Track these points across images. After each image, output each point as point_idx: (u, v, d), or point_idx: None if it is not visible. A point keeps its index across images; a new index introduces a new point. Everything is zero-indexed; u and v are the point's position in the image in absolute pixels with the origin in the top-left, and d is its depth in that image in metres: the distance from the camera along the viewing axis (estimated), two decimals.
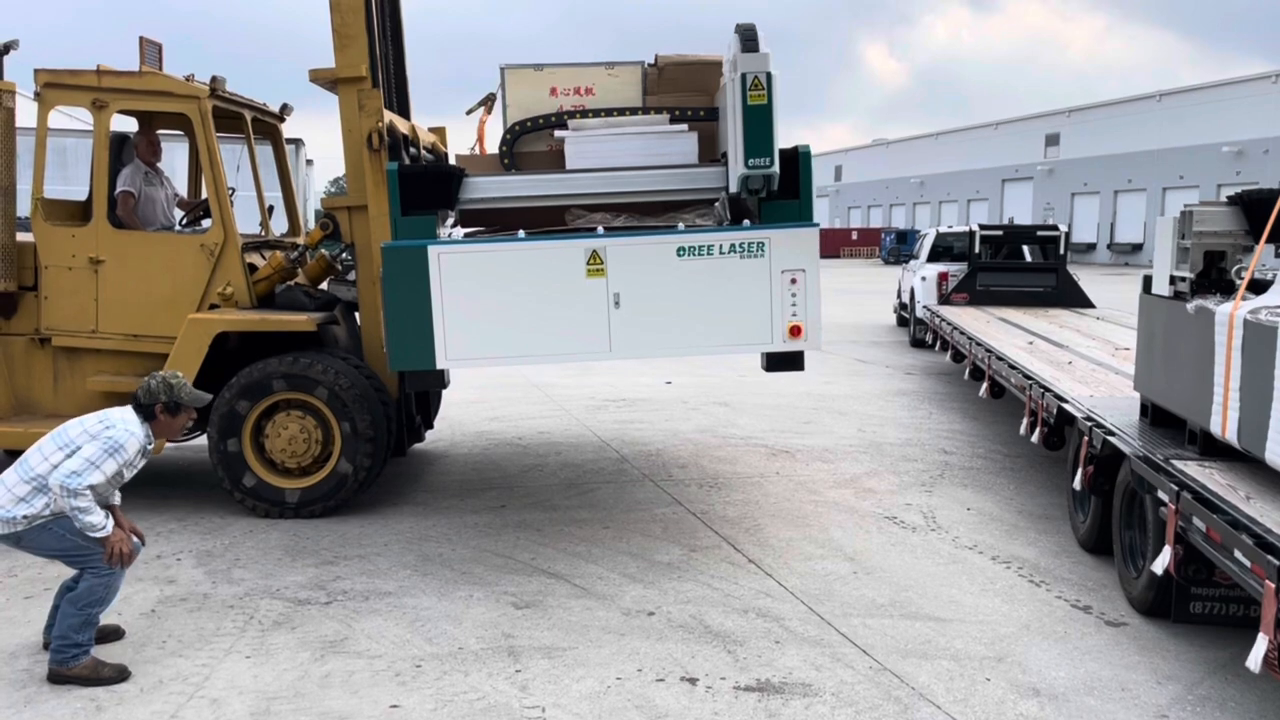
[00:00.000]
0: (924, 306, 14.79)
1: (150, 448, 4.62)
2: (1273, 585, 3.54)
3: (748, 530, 6.68)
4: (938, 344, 12.80)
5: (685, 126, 6.52)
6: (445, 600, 5.43)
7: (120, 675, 4.48)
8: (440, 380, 6.16)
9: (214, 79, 7.09)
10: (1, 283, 6.97)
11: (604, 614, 5.25)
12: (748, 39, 5.68)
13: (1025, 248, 15.56)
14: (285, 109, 8.33)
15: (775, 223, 5.93)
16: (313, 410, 6.86)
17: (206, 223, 7.78)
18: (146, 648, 4.81)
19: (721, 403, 11.37)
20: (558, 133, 6.55)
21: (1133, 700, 4.34)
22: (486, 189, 6.27)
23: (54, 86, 6.91)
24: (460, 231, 6.53)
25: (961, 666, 4.65)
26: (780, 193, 5.93)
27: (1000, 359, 8.67)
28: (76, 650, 4.45)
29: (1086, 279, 15.32)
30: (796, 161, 5.99)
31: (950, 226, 19.32)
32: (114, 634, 4.87)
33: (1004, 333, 10.55)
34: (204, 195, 7.98)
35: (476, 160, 7.03)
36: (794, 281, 5.81)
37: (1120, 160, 50.16)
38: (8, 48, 7.02)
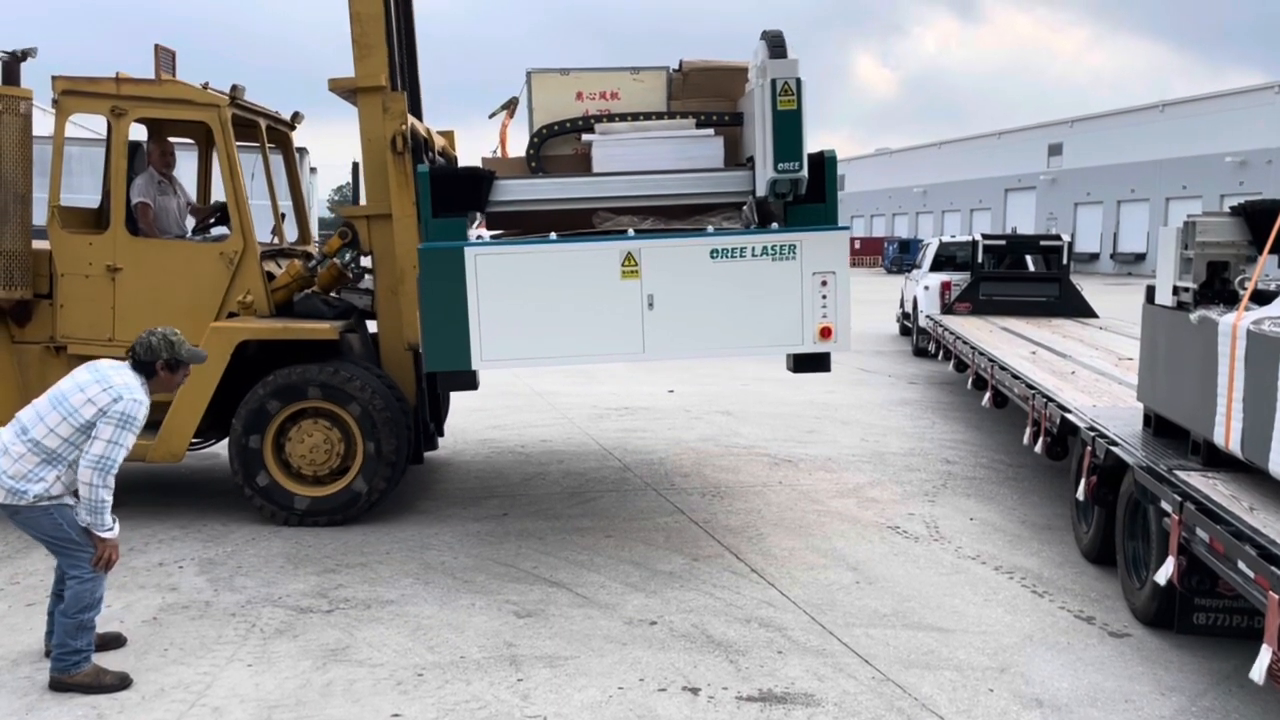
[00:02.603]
0: (927, 316, 14.79)
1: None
2: (1276, 596, 3.53)
3: (750, 539, 6.67)
4: (940, 353, 12.80)
5: (711, 131, 6.58)
6: (447, 609, 5.43)
7: (122, 683, 4.48)
8: (473, 381, 6.20)
9: (234, 87, 7.09)
10: (18, 290, 6.92)
11: (606, 623, 5.24)
12: (776, 45, 5.78)
13: (1028, 257, 15.57)
14: (296, 117, 8.33)
15: (805, 226, 6.02)
16: (340, 423, 6.85)
17: (215, 231, 7.79)
18: (148, 655, 4.81)
19: (724, 411, 11.37)
20: (584, 136, 6.60)
21: (1136, 712, 4.33)
22: (516, 191, 6.31)
23: (72, 94, 6.88)
24: (485, 233, 6.56)
25: (964, 677, 4.64)
26: (806, 196, 6.02)
27: (1003, 369, 8.66)
28: (77, 658, 4.44)
29: (1089, 289, 15.32)
30: (823, 166, 6.07)
31: (953, 236, 19.33)
32: (115, 641, 4.87)
33: (1007, 342, 10.54)
34: (212, 203, 7.99)
35: (500, 163, 7.07)
36: (824, 283, 5.92)
37: (1123, 170, 50.16)
38: (25, 55, 6.95)
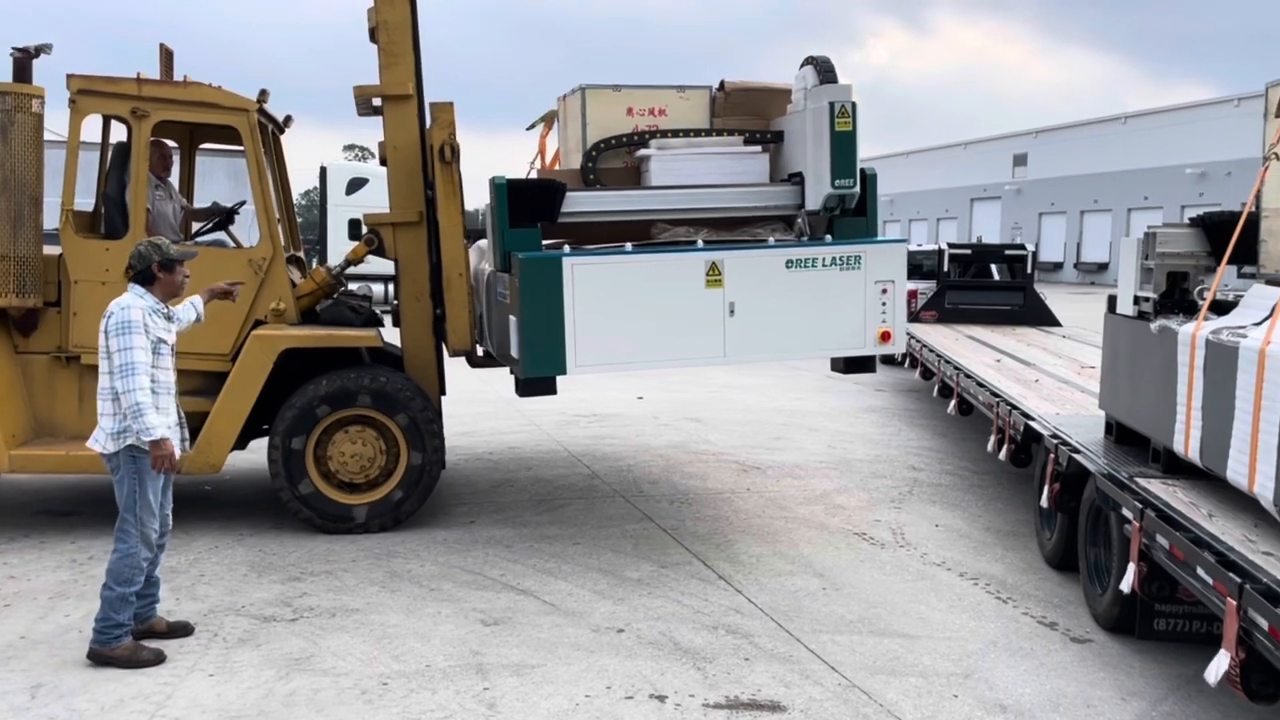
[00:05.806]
0: None
1: (166, 309, 4.88)
2: (1234, 602, 3.59)
3: (718, 546, 6.68)
4: (906, 361, 12.88)
5: (759, 148, 6.89)
6: (413, 617, 5.39)
7: (157, 659, 4.71)
8: (553, 387, 6.33)
9: (262, 92, 6.98)
10: (30, 298, 6.63)
11: (573, 631, 5.22)
12: (826, 71, 6.24)
13: (993, 266, 15.69)
14: (288, 120, 8.21)
15: (858, 238, 6.43)
16: (393, 452, 6.86)
17: (204, 238, 7.67)
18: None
19: (693, 418, 11.39)
20: (641, 151, 6.84)
21: (1098, 716, 4.37)
22: (584, 203, 6.55)
23: (89, 94, 6.66)
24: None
25: (929, 683, 4.67)
26: (851, 211, 6.44)
27: (968, 376, 8.74)
28: (118, 631, 4.68)
29: (1053, 298, 15.50)
30: (864, 183, 6.44)
31: (919, 245, 19.46)
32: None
33: (972, 350, 10.64)
34: (210, 205, 7.85)
35: (554, 174, 7.19)
36: (884, 291, 6.33)
37: (1087, 181, 50.78)
38: (39, 51, 6.68)
